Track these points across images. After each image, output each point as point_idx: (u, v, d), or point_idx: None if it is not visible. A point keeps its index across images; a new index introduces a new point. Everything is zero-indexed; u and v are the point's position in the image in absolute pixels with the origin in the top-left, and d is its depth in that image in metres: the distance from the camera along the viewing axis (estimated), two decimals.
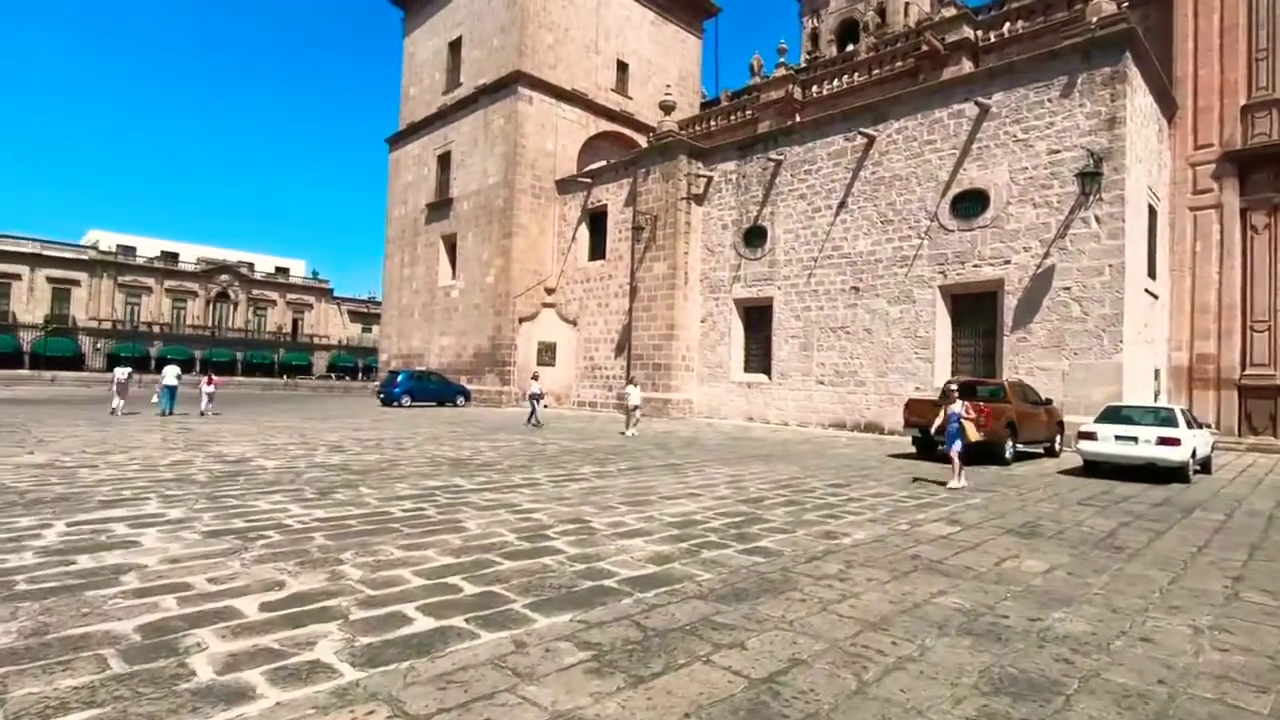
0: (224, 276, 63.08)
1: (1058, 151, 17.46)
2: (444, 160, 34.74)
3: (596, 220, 30.01)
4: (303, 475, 9.28)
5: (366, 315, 70.96)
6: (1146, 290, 18.44)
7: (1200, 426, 13.20)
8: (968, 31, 23.98)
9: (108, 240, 60.25)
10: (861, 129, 21.28)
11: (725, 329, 25.00)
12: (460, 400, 29.38)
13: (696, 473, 10.91)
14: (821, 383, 22.04)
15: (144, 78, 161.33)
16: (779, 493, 9.14)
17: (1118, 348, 16.40)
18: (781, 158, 23.45)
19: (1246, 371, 19.12)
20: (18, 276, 52.89)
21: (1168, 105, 20.07)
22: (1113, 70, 16.77)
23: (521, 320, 30.36)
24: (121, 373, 20.56)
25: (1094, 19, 17.37)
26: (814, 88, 29.09)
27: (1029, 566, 5.70)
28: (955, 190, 19.27)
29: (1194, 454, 11.79)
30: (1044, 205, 17.65)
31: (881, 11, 43.31)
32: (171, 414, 19.77)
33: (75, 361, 52.88)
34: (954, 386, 10.95)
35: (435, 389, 29.22)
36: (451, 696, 3.07)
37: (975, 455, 13.44)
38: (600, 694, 3.14)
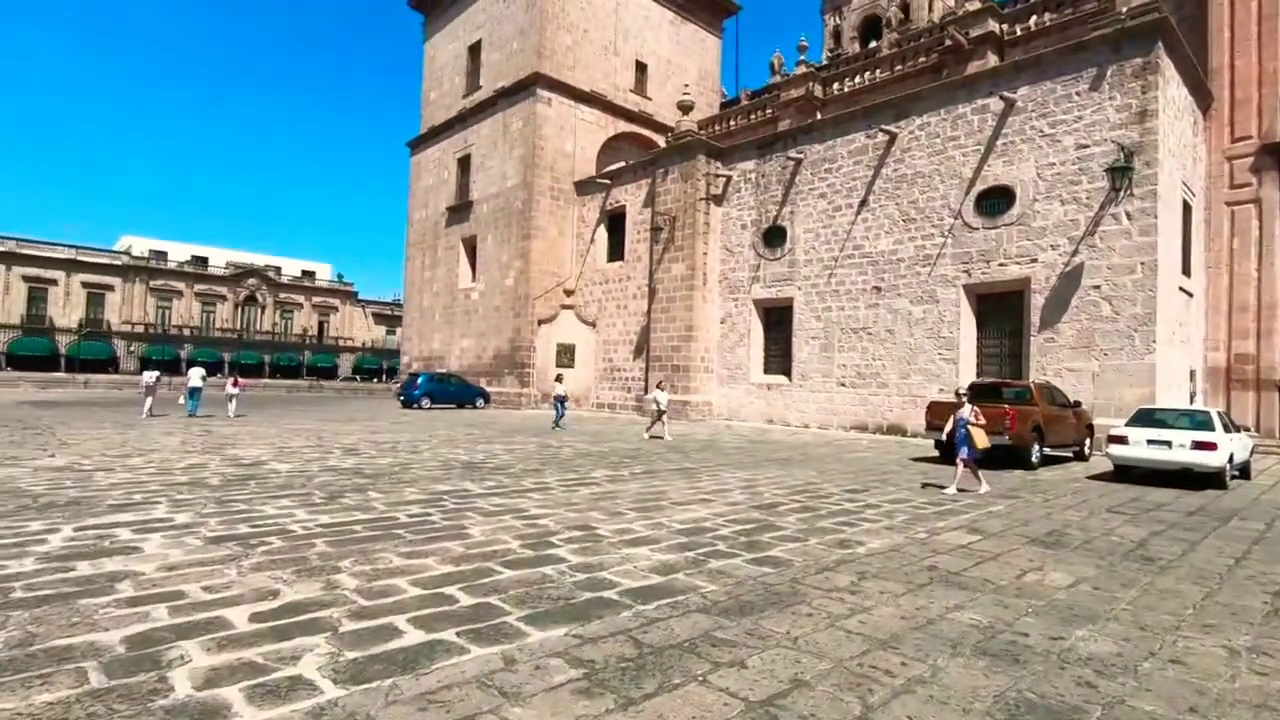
0: (252, 280, 64.16)
1: (1086, 146, 16.95)
2: (464, 163, 34.92)
3: (615, 221, 29.92)
4: (314, 479, 9.27)
5: (390, 317, 71.69)
6: (1181, 288, 17.84)
7: (1238, 430, 12.67)
8: (992, 25, 23.45)
9: (140, 245, 61.64)
10: (883, 126, 20.89)
11: (745, 330, 24.73)
12: (479, 402, 29.47)
13: (711, 477, 10.71)
14: (842, 384, 21.69)
15: (173, 86, 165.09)
16: (794, 498, 8.92)
17: (1150, 348, 15.86)
18: (801, 156, 23.13)
19: None
20: (54, 282, 54.32)
21: (1203, 97, 19.42)
22: (1144, 61, 16.23)
23: (540, 322, 30.36)
24: (150, 376, 21.00)
25: (1124, 9, 16.82)
26: (835, 85, 28.69)
27: (1052, 579, 5.43)
28: (979, 187, 18.82)
29: (1231, 458, 11.29)
30: (1072, 201, 17.15)
31: (905, 7, 42.71)
32: (196, 415, 20.08)
33: (109, 364, 54.16)
34: (963, 390, 10.59)
35: (454, 391, 29.34)
36: (431, 718, 2.94)
37: (1001, 459, 13.09)
38: (587, 716, 2.99)
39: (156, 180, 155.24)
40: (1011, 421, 12.38)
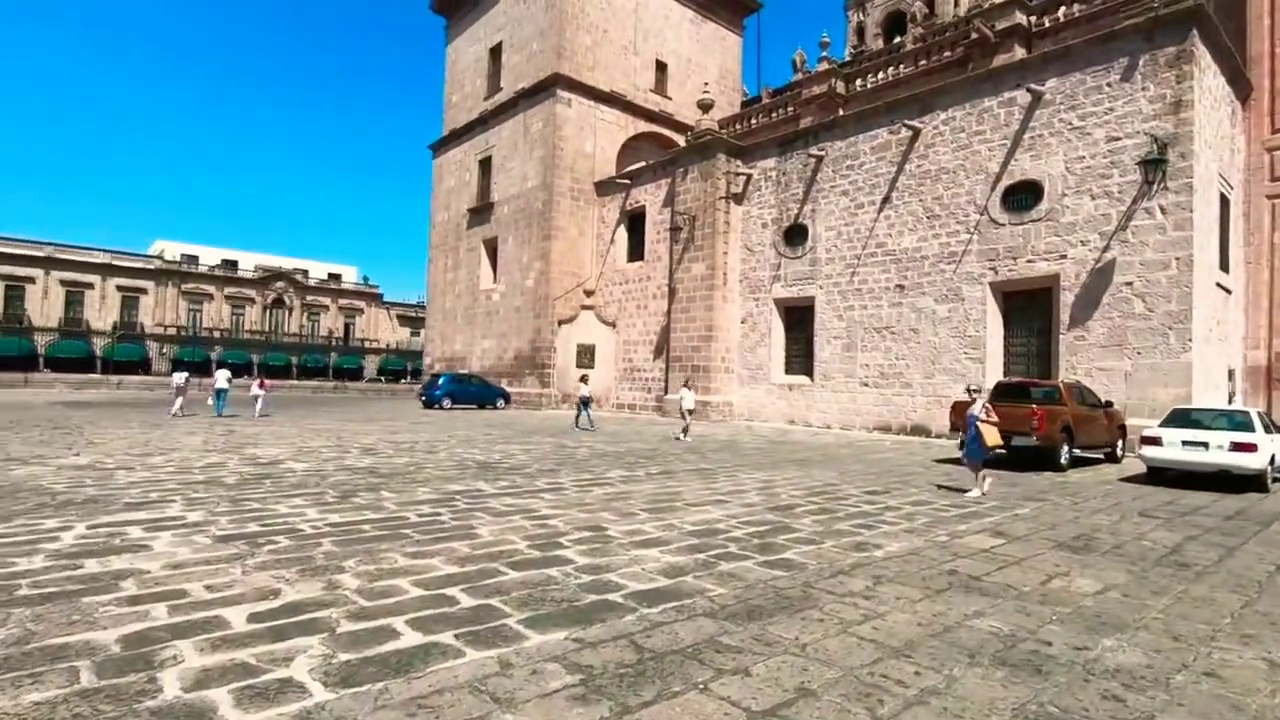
0: (279, 283, 65.21)
1: (1118, 138, 16.45)
2: (485, 165, 35.09)
3: (635, 221, 29.83)
4: (329, 478, 9.29)
5: (415, 319, 72.34)
6: (1218, 284, 17.25)
7: (1279, 430, 12.16)
8: (1020, 17, 22.93)
9: (172, 250, 62.99)
10: (906, 121, 20.53)
11: (765, 330, 24.47)
12: (500, 403, 29.57)
13: (728, 478, 10.54)
14: (865, 384, 21.33)
15: (201, 93, 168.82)
16: (811, 500, 8.72)
17: (1186, 346, 15.33)
18: (823, 153, 22.82)
19: None
20: (90, 286, 55.71)
21: (1241, 87, 18.77)
22: (1178, 50, 15.71)
23: (561, 323, 30.37)
24: (179, 377, 21.44)
25: None
26: (858, 81, 28.29)
27: (1079, 585, 5.19)
28: (1006, 182, 18.38)
29: (1273, 460, 10.82)
30: (1103, 196, 16.66)
31: (930, 2, 42.06)
32: (222, 416, 20.41)
33: (143, 366, 55.40)
34: (974, 388, 10.23)
35: (475, 391, 29.48)
36: None
37: (1029, 461, 12.73)
38: None
39: (188, 186, 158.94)
40: (1039, 421, 12.02)
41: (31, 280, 53.25)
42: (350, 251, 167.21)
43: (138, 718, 2.84)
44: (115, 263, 57.04)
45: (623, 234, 30.38)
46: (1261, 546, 6.78)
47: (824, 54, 29.59)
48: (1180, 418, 11.69)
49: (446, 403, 28.05)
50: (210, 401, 21.69)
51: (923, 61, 26.24)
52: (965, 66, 23.57)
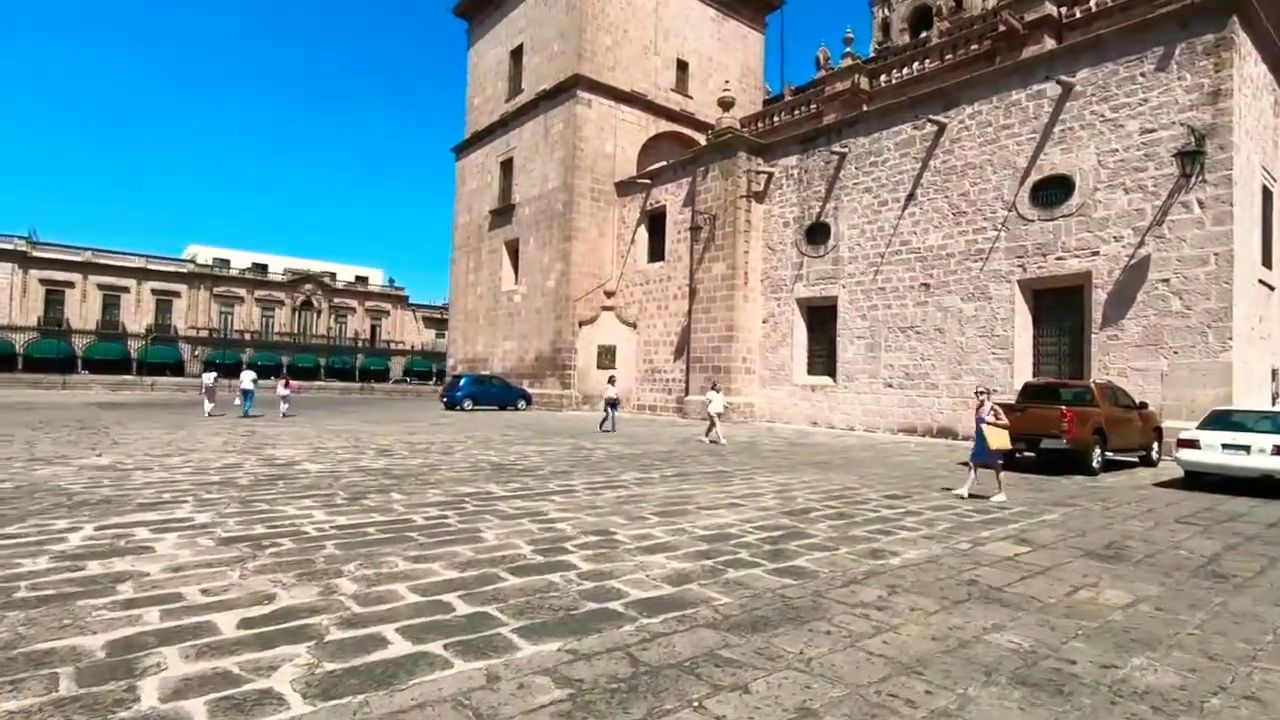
0: (308, 286, 66.22)
1: (1152, 130, 15.88)
2: (506, 167, 35.21)
3: (655, 221, 29.67)
4: (341, 480, 9.28)
5: (440, 321, 72.92)
6: (1261, 281, 16.57)
7: None
8: (1049, 8, 22.32)
9: (205, 254, 64.33)
10: (931, 116, 20.07)
11: (787, 330, 24.13)
12: (521, 404, 29.60)
13: (744, 481, 10.33)
14: (890, 385, 20.91)
15: (233, 101, 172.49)
16: (829, 504, 8.48)
17: (1226, 345, 14.73)
18: (845, 150, 22.44)
19: None
20: (126, 289, 57.15)
21: None
22: (1216, 38, 15.11)
23: (581, 324, 30.33)
24: (209, 378, 21.85)
25: None
26: (882, 77, 27.80)
27: (1108, 598, 4.91)
28: (1035, 177, 17.86)
29: None
30: (1137, 190, 16.09)
31: None
32: (248, 416, 20.70)
33: (176, 367, 56.64)
34: (982, 390, 9.88)
35: (496, 392, 29.55)
36: None
37: (1059, 464, 12.31)
38: None
39: (220, 191, 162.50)
40: (1069, 423, 11.61)
41: (71, 285, 54.77)
42: (377, 254, 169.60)
43: None
44: (150, 267, 58.42)
45: (643, 234, 30.24)
46: None
47: (847, 50, 29.14)
48: (1220, 419, 11.20)
49: (468, 404, 28.17)
50: (238, 402, 22.07)
51: (948, 56, 25.69)
52: (992, 60, 23.00)
